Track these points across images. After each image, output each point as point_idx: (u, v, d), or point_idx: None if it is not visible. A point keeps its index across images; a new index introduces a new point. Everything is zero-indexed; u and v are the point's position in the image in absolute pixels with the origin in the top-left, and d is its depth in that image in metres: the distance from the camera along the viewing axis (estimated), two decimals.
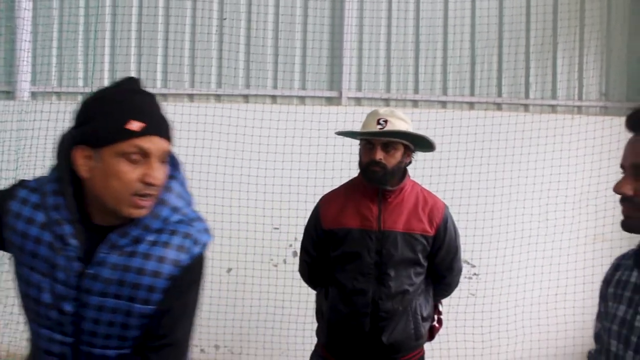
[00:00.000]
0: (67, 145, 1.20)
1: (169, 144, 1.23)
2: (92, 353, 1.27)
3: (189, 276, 1.27)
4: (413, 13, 4.27)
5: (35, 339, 1.32)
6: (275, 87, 4.24)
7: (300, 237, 2.40)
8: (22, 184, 1.31)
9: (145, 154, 1.18)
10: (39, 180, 1.29)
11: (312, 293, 2.50)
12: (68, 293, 1.23)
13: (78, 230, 1.21)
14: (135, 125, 1.16)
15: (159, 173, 1.21)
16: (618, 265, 1.32)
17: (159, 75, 4.26)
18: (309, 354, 2.47)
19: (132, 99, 1.21)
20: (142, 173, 1.18)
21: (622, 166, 1.22)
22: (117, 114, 1.17)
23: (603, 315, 1.31)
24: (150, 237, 1.23)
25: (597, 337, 1.33)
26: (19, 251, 1.26)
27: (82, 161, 1.19)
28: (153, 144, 1.18)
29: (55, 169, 1.26)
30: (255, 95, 4.24)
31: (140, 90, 1.25)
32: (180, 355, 1.31)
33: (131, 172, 1.17)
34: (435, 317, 2.35)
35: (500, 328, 4.01)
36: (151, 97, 1.25)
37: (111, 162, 1.16)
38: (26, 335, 1.36)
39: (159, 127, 1.21)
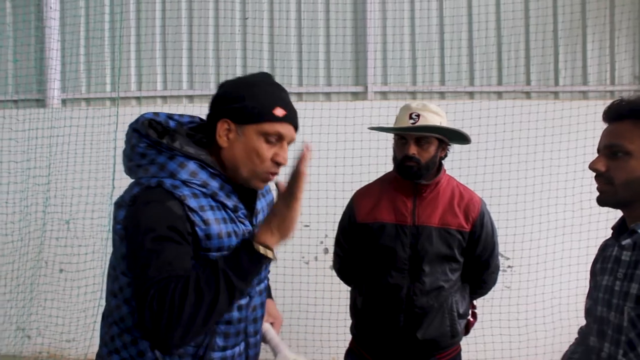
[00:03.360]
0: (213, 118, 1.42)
1: (296, 134, 1.46)
2: None
3: None
4: (436, 3, 4.21)
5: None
6: (300, 84, 4.24)
7: (330, 234, 2.38)
8: (163, 187, 1.32)
9: (280, 138, 1.40)
10: (179, 175, 1.34)
11: (344, 290, 2.48)
12: None
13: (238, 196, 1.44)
14: (279, 112, 1.39)
15: (287, 156, 1.43)
16: (606, 246, 1.49)
17: (184, 77, 4.31)
18: (341, 350, 2.46)
19: (278, 90, 1.44)
20: (274, 153, 1.40)
21: (598, 150, 1.38)
22: (266, 100, 1.38)
23: (592, 290, 1.47)
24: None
25: (588, 312, 1.47)
26: (206, 239, 1.34)
27: (223, 132, 1.39)
28: (288, 131, 1.41)
29: (189, 159, 1.37)
30: None
31: (280, 85, 1.47)
32: None
33: (268, 151, 1.39)
34: (470, 311, 2.31)
35: (537, 321, 3.94)
36: (287, 93, 1.48)
37: (253, 139, 1.37)
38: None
39: (295, 118, 1.45)
